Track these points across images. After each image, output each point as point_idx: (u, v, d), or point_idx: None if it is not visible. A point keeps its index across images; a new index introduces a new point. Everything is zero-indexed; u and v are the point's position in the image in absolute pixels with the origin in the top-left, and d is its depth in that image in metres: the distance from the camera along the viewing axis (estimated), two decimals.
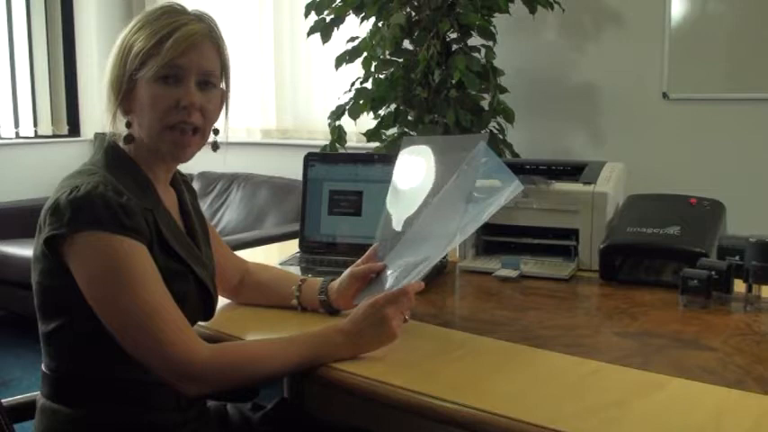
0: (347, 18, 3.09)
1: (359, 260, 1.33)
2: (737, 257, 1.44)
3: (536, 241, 1.72)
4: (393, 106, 3.06)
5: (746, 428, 0.89)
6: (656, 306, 1.40)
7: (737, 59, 2.84)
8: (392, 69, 3.01)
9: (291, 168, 3.66)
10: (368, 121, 3.17)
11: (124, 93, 1.15)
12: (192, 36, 1.14)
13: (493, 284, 1.58)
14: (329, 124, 3.15)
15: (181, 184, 1.30)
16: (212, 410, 1.31)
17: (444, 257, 1.62)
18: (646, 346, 1.18)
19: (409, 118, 3.06)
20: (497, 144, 2.97)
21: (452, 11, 2.89)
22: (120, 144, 1.19)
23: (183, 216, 1.27)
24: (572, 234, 1.68)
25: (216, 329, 1.27)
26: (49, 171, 3.82)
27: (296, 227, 1.99)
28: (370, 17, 3.02)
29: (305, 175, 1.86)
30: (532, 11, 2.96)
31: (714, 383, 1.01)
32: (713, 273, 1.36)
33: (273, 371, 1.11)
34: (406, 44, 3.03)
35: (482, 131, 3.00)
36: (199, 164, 4.23)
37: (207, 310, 1.24)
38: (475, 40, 3.01)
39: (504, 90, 3.02)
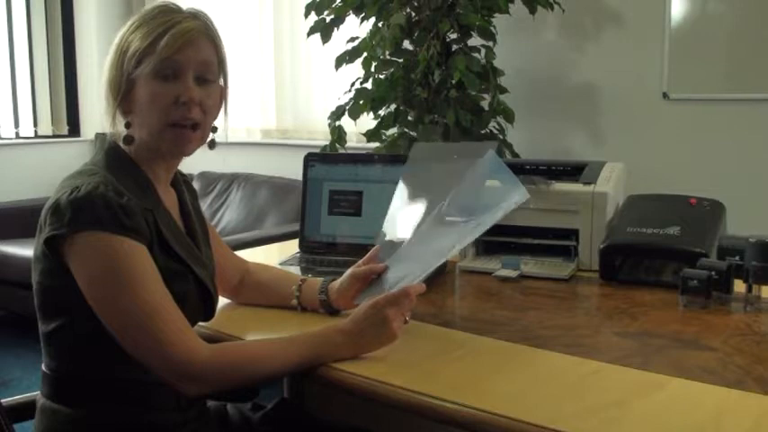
0: (347, 18, 3.09)
1: (360, 261, 1.33)
2: (737, 258, 1.44)
3: (536, 241, 1.72)
4: (393, 106, 3.06)
5: (746, 428, 0.89)
6: (656, 306, 1.40)
7: (737, 59, 2.84)
8: (392, 70, 3.01)
9: (291, 168, 3.66)
10: (368, 121, 3.17)
11: (123, 93, 1.15)
12: (188, 32, 1.14)
13: (493, 284, 1.58)
14: (329, 124, 3.15)
15: (181, 184, 1.30)
16: (212, 410, 1.31)
17: None
18: (646, 346, 1.18)
19: (409, 118, 3.06)
20: (498, 144, 2.97)
21: (452, 11, 2.89)
22: (121, 144, 1.19)
23: (184, 216, 1.27)
24: (572, 234, 1.68)
25: (216, 329, 1.27)
26: (48, 171, 3.82)
27: (296, 227, 1.99)
28: (370, 17, 3.02)
29: (305, 175, 1.86)
30: (532, 11, 2.96)
31: (714, 383, 1.01)
32: (713, 273, 1.36)
33: (273, 371, 1.11)
34: (406, 44, 3.03)
35: (482, 132, 3.01)
36: (199, 164, 4.23)
37: (207, 311, 1.24)
38: (475, 41, 3.01)
39: (504, 90, 3.02)
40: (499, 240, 1.73)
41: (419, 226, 1.29)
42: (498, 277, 1.61)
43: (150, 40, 1.12)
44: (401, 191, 1.39)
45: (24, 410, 1.26)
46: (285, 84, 4.13)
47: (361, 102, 3.04)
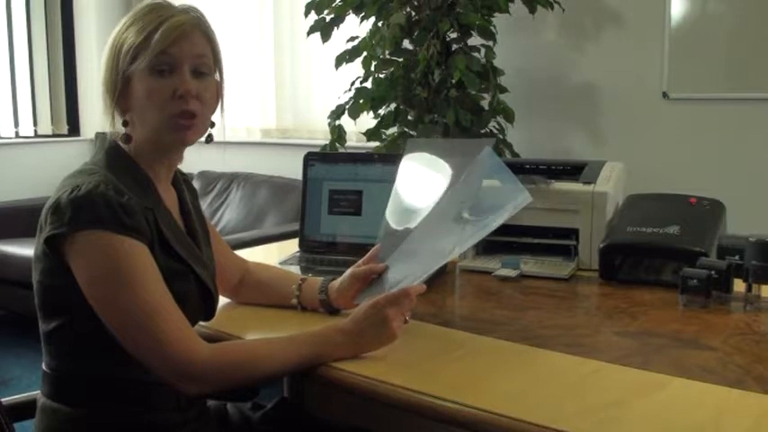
0: (347, 17, 3.09)
1: (360, 260, 1.33)
2: (737, 257, 1.44)
3: (536, 241, 1.72)
4: (393, 106, 3.06)
5: (746, 428, 0.89)
6: (656, 305, 1.40)
7: (737, 59, 2.84)
8: (392, 69, 3.01)
9: (291, 168, 3.66)
10: (368, 120, 3.17)
11: (119, 92, 1.16)
12: (181, 26, 1.14)
13: (493, 284, 1.58)
14: (329, 124, 3.15)
15: (181, 183, 1.30)
16: (212, 410, 1.31)
17: None
18: (646, 345, 1.18)
19: (409, 118, 3.06)
20: (497, 144, 2.97)
21: (452, 11, 2.89)
22: (121, 144, 1.19)
23: (184, 216, 1.27)
24: (572, 234, 1.68)
25: (216, 329, 1.27)
26: (48, 171, 3.82)
27: (296, 226, 1.99)
28: (370, 17, 3.02)
29: (305, 174, 1.86)
30: (532, 11, 2.96)
31: (714, 383, 1.01)
32: (713, 272, 1.36)
33: (273, 370, 1.11)
34: (406, 44, 3.03)
35: (482, 131, 3.01)
36: (199, 163, 4.23)
37: (207, 310, 1.24)
38: (475, 40, 3.01)
39: (503, 90, 3.02)
40: (499, 240, 1.73)
41: (419, 225, 1.29)
42: (498, 277, 1.61)
43: (144, 36, 1.12)
44: (398, 188, 1.39)
45: (24, 410, 1.26)
46: (285, 83, 4.13)
47: (360, 101, 3.04)
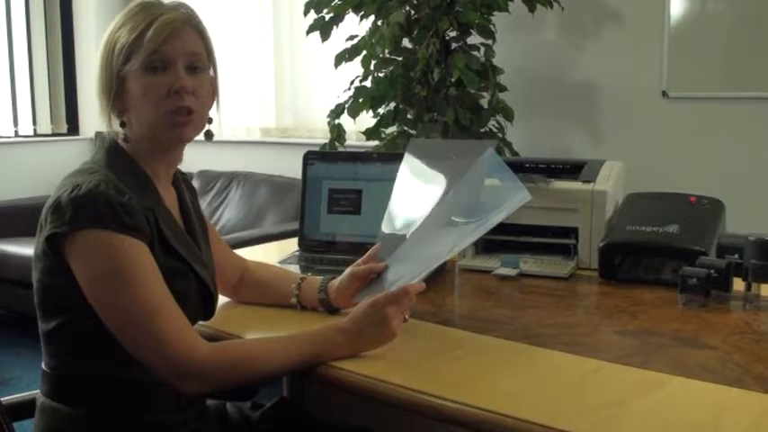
0: (346, 16, 3.08)
1: (360, 260, 1.33)
2: (737, 256, 1.44)
3: (535, 240, 1.72)
4: (392, 105, 3.06)
5: (746, 427, 0.89)
6: (656, 304, 1.40)
7: (737, 58, 2.84)
8: (391, 68, 3.01)
9: (291, 167, 3.66)
10: (367, 119, 3.17)
11: (115, 92, 1.16)
12: (172, 23, 1.14)
13: (492, 283, 1.58)
14: (328, 123, 3.15)
15: (181, 183, 1.30)
16: (212, 409, 1.31)
17: None
18: (645, 344, 1.18)
19: (408, 116, 3.06)
20: (497, 143, 2.97)
21: (452, 9, 2.89)
22: (120, 143, 1.19)
23: (183, 215, 1.27)
24: (571, 232, 1.68)
25: (215, 328, 1.27)
26: (48, 170, 3.82)
27: (295, 225, 1.99)
28: (370, 15, 3.02)
29: (304, 173, 1.85)
30: (532, 9, 2.96)
31: (714, 382, 1.01)
32: (712, 271, 1.36)
33: (273, 369, 1.11)
34: (406, 42, 3.03)
35: (481, 130, 3.01)
36: (198, 162, 4.23)
37: (207, 309, 1.24)
38: (474, 39, 3.01)
39: (503, 88, 3.02)
40: (499, 239, 1.73)
41: (419, 225, 1.29)
42: (498, 275, 1.61)
43: (136, 35, 1.13)
44: (399, 188, 1.39)
45: (24, 409, 1.26)
46: (284, 82, 4.12)
47: (360, 100, 3.04)
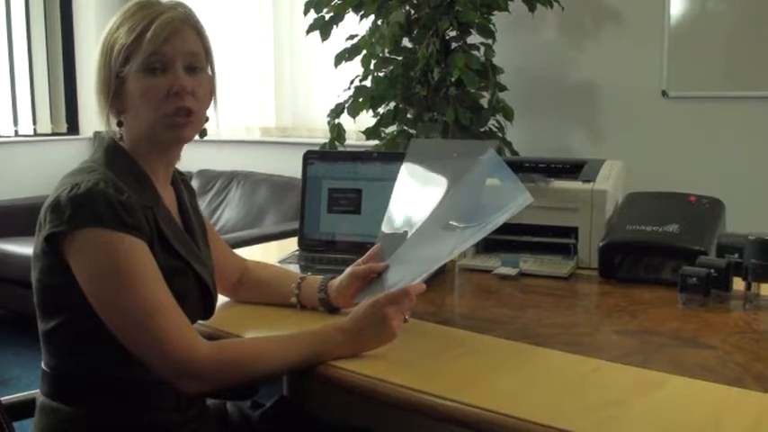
0: (346, 16, 3.08)
1: (360, 259, 1.33)
2: (737, 255, 1.44)
3: (535, 239, 1.72)
4: (392, 104, 3.06)
5: (746, 426, 0.89)
6: (656, 304, 1.40)
7: (737, 57, 2.84)
8: (391, 67, 3.01)
9: (291, 166, 3.66)
10: (367, 119, 3.17)
11: (113, 93, 1.15)
12: (171, 23, 1.14)
13: (492, 282, 1.58)
14: (328, 122, 3.15)
15: (180, 183, 1.30)
16: (212, 409, 1.31)
17: None
18: (645, 344, 1.18)
19: (408, 116, 3.06)
20: (498, 143, 2.97)
21: (452, 9, 2.89)
22: (119, 142, 1.19)
23: (182, 215, 1.27)
24: (571, 232, 1.68)
25: (215, 327, 1.27)
26: (48, 169, 3.81)
27: (295, 225, 1.99)
28: (370, 15, 3.02)
29: (304, 173, 1.85)
30: (532, 9, 2.96)
31: (713, 381, 1.01)
32: (712, 271, 1.36)
33: (273, 369, 1.11)
34: (406, 42, 3.03)
35: (481, 129, 3.01)
36: (198, 162, 4.23)
37: (207, 309, 1.24)
38: (474, 38, 3.01)
39: (503, 88, 3.02)
40: (499, 238, 1.73)
41: (420, 225, 1.29)
42: (498, 275, 1.61)
43: (135, 36, 1.12)
44: (400, 188, 1.39)
45: (24, 409, 1.26)
46: (284, 81, 4.12)
47: (360, 99, 3.04)
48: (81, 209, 1.05)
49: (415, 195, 1.36)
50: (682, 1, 2.93)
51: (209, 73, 1.22)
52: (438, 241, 1.24)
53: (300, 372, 1.12)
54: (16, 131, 4.52)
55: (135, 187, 1.13)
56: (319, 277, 1.36)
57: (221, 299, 1.34)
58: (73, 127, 4.75)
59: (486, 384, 1.02)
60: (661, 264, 1.56)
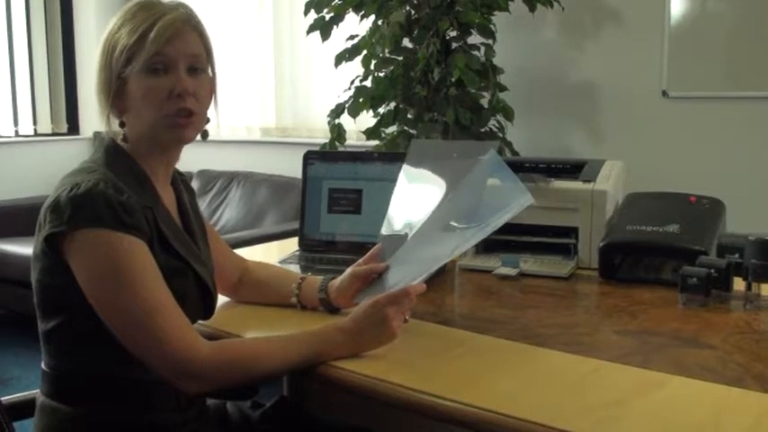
0: (347, 16, 3.08)
1: (360, 260, 1.33)
2: (737, 255, 1.44)
3: (536, 239, 1.72)
4: (393, 104, 3.06)
5: (746, 427, 0.89)
6: (656, 304, 1.40)
7: (737, 58, 2.84)
8: (392, 67, 3.01)
9: (291, 166, 3.66)
10: (367, 119, 3.17)
11: (114, 93, 1.15)
12: (173, 24, 1.14)
13: (492, 282, 1.58)
14: (329, 122, 3.15)
15: (179, 183, 1.30)
16: (211, 408, 1.31)
17: None
18: (645, 344, 1.18)
19: (409, 116, 3.06)
20: (499, 144, 2.97)
21: (452, 9, 2.89)
22: (119, 142, 1.19)
23: (182, 215, 1.27)
24: (571, 232, 1.68)
25: (215, 327, 1.27)
26: (48, 169, 3.82)
27: (295, 225, 1.99)
28: (370, 15, 3.02)
29: (304, 173, 1.85)
30: (532, 9, 2.96)
31: (714, 381, 1.01)
32: (713, 271, 1.36)
33: (273, 369, 1.11)
34: (406, 42, 3.03)
35: (481, 130, 3.01)
36: (198, 162, 4.23)
37: (206, 309, 1.24)
38: (474, 39, 3.01)
39: (503, 88, 3.02)
40: (499, 238, 1.73)
41: (420, 226, 1.29)
42: (498, 275, 1.61)
43: (137, 36, 1.12)
44: (401, 188, 1.39)
45: (24, 409, 1.26)
46: (285, 82, 4.12)
47: (360, 100, 3.04)
48: (81, 209, 1.05)
49: (415, 196, 1.36)
50: (682, 1, 2.93)
51: (210, 74, 1.22)
52: (439, 242, 1.24)
53: (300, 372, 1.12)
54: (16, 131, 4.52)
55: (135, 187, 1.14)
56: (319, 277, 1.36)
57: (221, 299, 1.34)
58: (73, 127, 4.75)
59: (486, 384, 1.02)
60: (661, 264, 1.55)
